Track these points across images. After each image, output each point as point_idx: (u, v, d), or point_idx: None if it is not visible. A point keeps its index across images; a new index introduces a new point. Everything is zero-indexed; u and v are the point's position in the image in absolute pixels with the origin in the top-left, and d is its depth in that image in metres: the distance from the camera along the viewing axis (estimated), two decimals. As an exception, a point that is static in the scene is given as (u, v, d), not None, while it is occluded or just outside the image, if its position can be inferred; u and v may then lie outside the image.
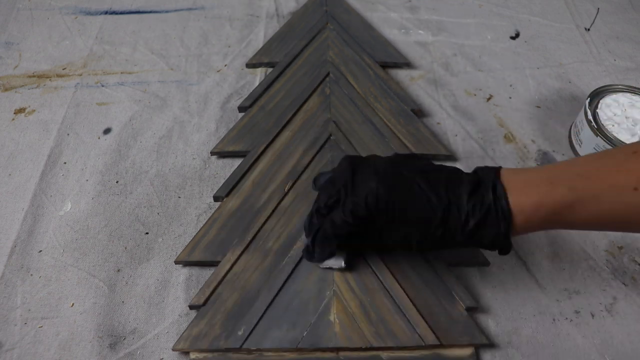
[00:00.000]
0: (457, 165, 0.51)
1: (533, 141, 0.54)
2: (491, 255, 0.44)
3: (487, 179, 0.34)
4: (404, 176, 0.35)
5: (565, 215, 0.33)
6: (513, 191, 0.33)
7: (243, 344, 0.38)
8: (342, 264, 0.40)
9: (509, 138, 0.54)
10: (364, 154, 0.49)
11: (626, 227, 0.35)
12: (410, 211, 0.34)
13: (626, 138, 0.48)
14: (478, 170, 0.36)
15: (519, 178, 0.34)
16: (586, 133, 0.50)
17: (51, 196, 0.49)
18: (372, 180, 0.35)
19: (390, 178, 0.35)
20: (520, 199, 0.33)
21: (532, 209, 0.33)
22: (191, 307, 0.41)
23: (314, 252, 0.39)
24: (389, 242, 0.37)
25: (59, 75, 0.60)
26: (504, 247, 0.35)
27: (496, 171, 0.35)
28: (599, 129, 0.48)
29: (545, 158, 0.52)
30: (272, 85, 0.57)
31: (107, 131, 0.54)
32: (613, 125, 0.49)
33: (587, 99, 0.51)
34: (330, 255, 0.40)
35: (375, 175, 0.35)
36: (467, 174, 0.36)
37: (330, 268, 0.41)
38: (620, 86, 0.52)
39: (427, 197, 0.34)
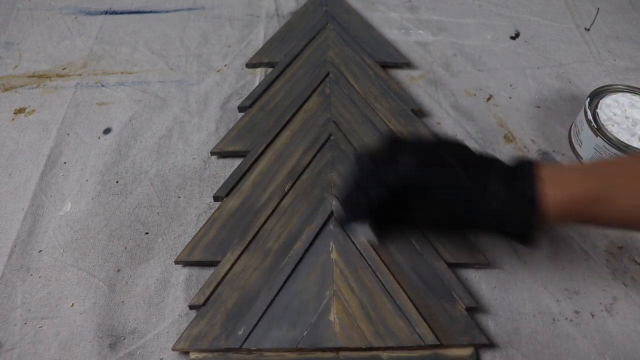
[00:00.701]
0: (457, 165, 0.51)
1: (533, 141, 0.54)
2: (491, 255, 0.44)
3: (522, 168, 0.35)
4: (441, 157, 0.36)
5: (595, 209, 0.33)
6: (545, 180, 0.34)
7: (243, 344, 0.38)
8: (375, 238, 0.42)
9: (509, 138, 0.54)
10: (364, 154, 0.49)
11: None
12: (440, 189, 0.35)
13: (626, 138, 0.48)
14: (516, 160, 0.37)
15: (554, 170, 0.35)
16: (586, 133, 0.50)
17: (51, 196, 0.49)
18: (410, 157, 0.36)
19: (427, 157, 0.36)
20: (551, 188, 0.33)
21: (562, 199, 0.33)
22: (191, 307, 0.41)
23: (348, 222, 0.42)
24: (420, 220, 0.39)
25: (59, 75, 0.60)
26: (530, 237, 0.35)
27: (534, 162, 0.36)
28: (599, 129, 0.48)
29: (545, 158, 0.52)
30: (272, 85, 0.57)
31: (107, 131, 0.54)
32: (613, 125, 0.49)
33: (587, 99, 0.51)
34: (363, 226, 0.42)
35: (412, 153, 0.36)
36: (505, 163, 0.37)
37: (366, 239, 0.43)
38: (620, 86, 0.52)
39: (456, 177, 0.35)
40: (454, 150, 0.37)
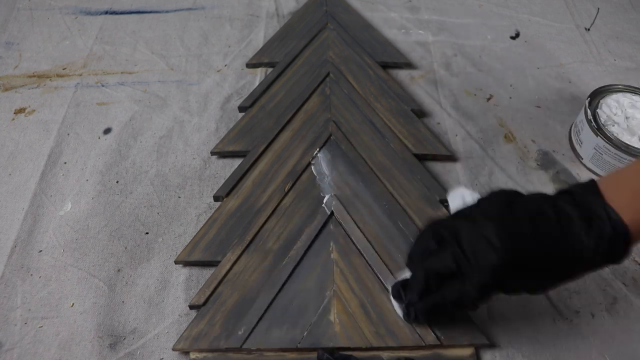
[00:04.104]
0: (457, 165, 0.51)
1: (533, 141, 0.54)
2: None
3: (595, 206, 0.32)
4: (519, 224, 0.32)
5: None
6: (624, 208, 0.31)
7: (243, 344, 0.38)
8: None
9: (509, 138, 0.54)
10: (364, 154, 0.49)
11: None
12: (543, 258, 0.32)
13: (626, 138, 0.48)
14: (575, 195, 0.33)
15: (624, 189, 0.33)
16: (586, 133, 0.50)
17: (51, 196, 0.49)
18: (489, 245, 0.32)
19: (505, 236, 0.32)
20: (634, 213, 0.31)
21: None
22: (191, 307, 0.41)
23: (418, 317, 0.37)
24: (515, 288, 0.35)
25: (59, 75, 0.60)
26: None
27: (594, 188, 0.33)
28: (599, 129, 0.48)
29: (545, 158, 0.52)
30: (272, 85, 0.57)
31: (107, 131, 0.54)
32: (613, 125, 0.49)
33: (587, 99, 0.51)
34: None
35: (489, 239, 0.32)
36: (568, 203, 0.33)
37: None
38: (620, 86, 0.52)
39: (555, 241, 0.32)
40: (519, 209, 0.33)
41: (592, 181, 0.34)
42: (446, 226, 0.35)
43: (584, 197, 0.33)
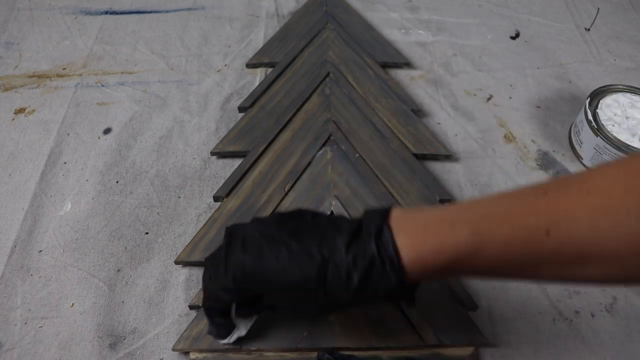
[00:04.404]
0: (457, 165, 0.51)
1: (533, 141, 0.54)
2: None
3: (371, 224, 0.29)
4: (275, 241, 0.30)
5: (467, 262, 0.28)
6: (405, 235, 0.28)
7: (243, 344, 0.38)
8: (243, 332, 0.37)
9: (509, 138, 0.54)
10: (364, 154, 0.49)
11: (533, 274, 0.29)
12: (282, 278, 0.30)
13: (626, 138, 0.48)
14: (364, 215, 0.31)
15: (414, 220, 0.29)
16: (586, 133, 0.50)
17: (51, 196, 0.49)
18: (240, 251, 0.31)
19: (258, 246, 0.31)
20: (415, 244, 0.28)
21: (429, 255, 0.28)
22: (191, 307, 0.41)
23: (215, 330, 0.36)
24: (282, 307, 0.35)
25: (59, 75, 0.60)
26: (406, 298, 0.31)
27: (384, 213, 0.30)
28: (599, 129, 0.48)
29: (545, 158, 0.53)
30: (272, 85, 0.57)
31: (107, 131, 0.54)
32: (613, 125, 0.49)
33: (587, 99, 0.51)
34: (229, 328, 0.36)
35: (242, 246, 0.31)
36: (350, 221, 0.31)
37: (238, 339, 0.37)
38: (620, 86, 0.52)
39: (298, 260, 0.29)
40: (287, 226, 0.31)
41: (387, 208, 0.31)
42: (225, 235, 0.33)
43: (367, 216, 0.31)
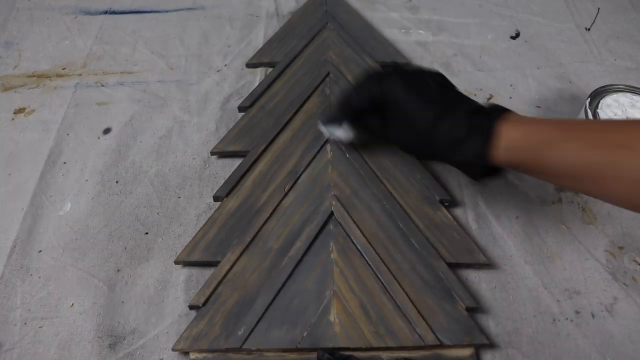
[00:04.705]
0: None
1: (533, 141, 0.54)
2: (491, 255, 0.44)
3: (491, 108, 0.38)
4: (423, 79, 0.41)
5: (545, 151, 0.35)
6: (505, 121, 0.36)
7: (243, 344, 0.38)
8: (350, 134, 0.47)
9: (509, 138, 0.54)
10: (364, 154, 0.49)
11: (597, 185, 0.34)
12: (409, 106, 0.39)
13: (626, 138, 0.48)
14: (489, 104, 0.39)
15: (518, 115, 0.38)
16: (586, 133, 0.50)
17: (51, 196, 0.49)
18: (396, 76, 0.41)
19: (410, 79, 0.40)
20: (508, 126, 0.36)
21: (515, 136, 0.36)
22: (191, 307, 0.41)
23: (326, 121, 0.48)
24: (393, 137, 0.43)
25: (59, 75, 0.60)
26: (479, 170, 0.40)
27: (504, 108, 0.38)
28: (599, 129, 0.48)
29: (545, 158, 0.52)
30: (272, 85, 0.57)
31: (107, 131, 0.54)
32: (613, 125, 0.49)
33: (587, 99, 0.51)
34: (338, 121, 0.47)
35: (398, 74, 0.41)
36: (479, 103, 0.40)
37: (339, 139, 0.49)
38: (620, 86, 0.52)
39: (428, 99, 0.39)
40: (436, 79, 0.41)
41: (504, 110, 0.38)
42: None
43: (489, 105, 0.39)
